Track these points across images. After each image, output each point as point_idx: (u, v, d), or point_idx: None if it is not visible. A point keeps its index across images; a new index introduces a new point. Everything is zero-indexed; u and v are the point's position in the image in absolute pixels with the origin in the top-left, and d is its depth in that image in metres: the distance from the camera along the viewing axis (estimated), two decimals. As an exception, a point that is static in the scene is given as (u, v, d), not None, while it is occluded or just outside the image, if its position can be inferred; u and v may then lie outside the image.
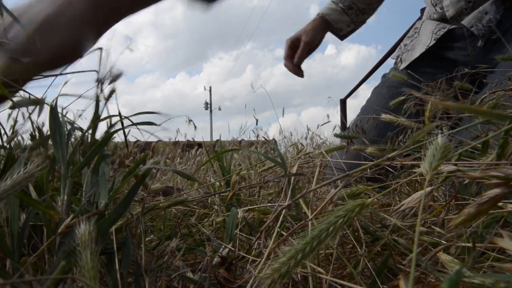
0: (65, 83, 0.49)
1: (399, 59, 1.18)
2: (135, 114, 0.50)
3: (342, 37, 1.27)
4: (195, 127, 2.14)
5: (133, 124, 0.49)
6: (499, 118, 0.23)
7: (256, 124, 2.26)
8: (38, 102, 0.45)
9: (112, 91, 0.49)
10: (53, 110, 0.42)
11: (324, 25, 1.22)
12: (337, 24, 1.21)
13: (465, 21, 1.02)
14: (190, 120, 2.08)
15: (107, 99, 0.48)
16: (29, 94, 0.45)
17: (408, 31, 1.72)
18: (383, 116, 0.67)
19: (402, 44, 1.19)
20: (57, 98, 0.43)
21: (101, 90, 0.47)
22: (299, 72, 1.24)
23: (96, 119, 0.47)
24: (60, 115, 0.42)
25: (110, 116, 0.49)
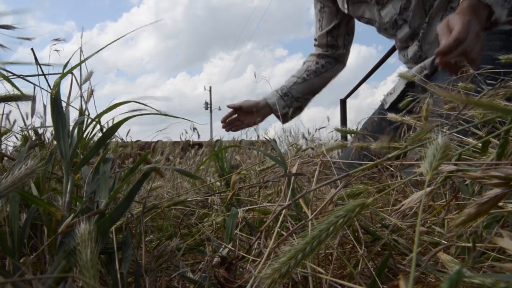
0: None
1: (385, 101, 1.44)
2: (132, 108, 0.49)
3: (282, 118, 1.57)
4: (198, 134, 2.17)
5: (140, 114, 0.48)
6: (504, 112, 0.23)
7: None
8: (29, 97, 0.45)
9: (91, 91, 0.51)
10: (56, 100, 0.41)
11: (266, 105, 1.55)
12: (275, 106, 1.54)
13: (412, 71, 1.27)
14: (194, 129, 2.12)
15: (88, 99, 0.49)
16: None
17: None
18: (389, 115, 0.69)
19: (388, 91, 1.46)
20: (58, 87, 0.41)
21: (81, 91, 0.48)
22: (224, 120, 1.52)
23: (100, 113, 0.47)
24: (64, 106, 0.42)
25: (122, 103, 0.49)
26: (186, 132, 2.42)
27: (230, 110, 1.51)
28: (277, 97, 1.55)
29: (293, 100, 1.56)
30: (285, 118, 1.58)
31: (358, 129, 1.47)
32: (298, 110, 1.60)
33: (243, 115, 1.52)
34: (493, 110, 0.22)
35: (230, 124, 1.53)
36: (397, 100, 1.36)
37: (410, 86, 1.30)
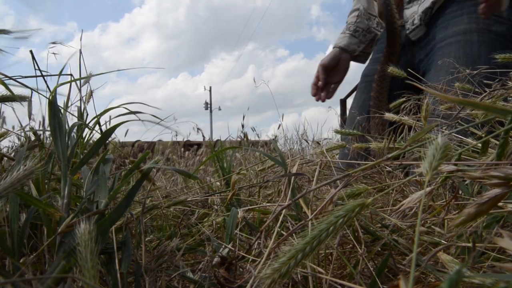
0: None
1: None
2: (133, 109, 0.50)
3: (359, 58, 1.44)
4: (203, 137, 2.16)
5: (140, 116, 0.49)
6: (502, 113, 0.23)
7: (242, 127, 2.29)
8: (25, 98, 0.45)
9: (91, 92, 0.52)
10: (53, 104, 0.41)
11: (339, 52, 1.40)
12: (349, 46, 1.40)
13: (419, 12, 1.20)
14: (198, 129, 2.11)
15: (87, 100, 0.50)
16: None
17: None
18: (386, 115, 0.68)
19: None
20: (55, 91, 0.42)
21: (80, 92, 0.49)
22: (316, 93, 1.42)
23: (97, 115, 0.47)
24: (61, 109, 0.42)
25: (111, 108, 0.49)
26: (176, 135, 2.43)
27: (316, 77, 1.40)
28: (347, 37, 1.42)
29: (365, 33, 1.43)
30: (363, 58, 1.46)
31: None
32: (373, 41, 1.46)
33: (329, 75, 1.40)
34: (490, 111, 0.22)
35: (321, 91, 1.42)
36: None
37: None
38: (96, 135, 0.53)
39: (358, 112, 1.27)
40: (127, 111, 0.49)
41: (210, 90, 24.21)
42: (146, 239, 0.58)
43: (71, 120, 0.49)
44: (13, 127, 0.70)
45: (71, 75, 0.47)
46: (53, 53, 0.54)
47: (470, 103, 0.23)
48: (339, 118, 2.78)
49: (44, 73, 0.46)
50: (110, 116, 0.55)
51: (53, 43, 0.55)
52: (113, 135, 0.48)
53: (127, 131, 1.86)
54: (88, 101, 0.55)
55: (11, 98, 0.42)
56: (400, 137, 0.72)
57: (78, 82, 0.53)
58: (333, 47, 1.43)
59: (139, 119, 0.49)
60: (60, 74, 0.44)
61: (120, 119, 0.50)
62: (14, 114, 0.67)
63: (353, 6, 1.46)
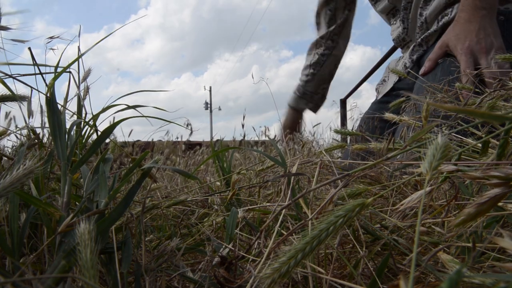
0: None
1: (377, 90, 1.47)
2: (135, 106, 0.50)
3: (312, 111, 1.75)
4: (191, 131, 2.19)
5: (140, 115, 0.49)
6: (497, 119, 0.23)
7: (242, 127, 2.32)
8: (24, 98, 0.45)
9: (87, 89, 0.52)
10: (52, 103, 0.41)
11: (294, 111, 1.76)
12: (298, 106, 1.73)
13: (404, 56, 1.31)
14: (188, 124, 2.13)
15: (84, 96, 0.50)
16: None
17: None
18: (386, 115, 0.68)
19: (381, 79, 1.49)
20: (53, 88, 0.42)
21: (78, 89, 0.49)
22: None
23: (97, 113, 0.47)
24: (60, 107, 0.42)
25: (112, 106, 0.49)
26: (177, 136, 2.45)
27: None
28: (297, 99, 1.71)
29: (312, 95, 1.69)
30: (314, 110, 1.74)
31: (355, 127, 1.49)
32: (322, 98, 1.73)
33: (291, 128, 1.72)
34: (483, 117, 0.22)
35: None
36: (390, 90, 1.39)
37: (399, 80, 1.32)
38: (95, 134, 0.53)
39: (365, 120, 1.40)
40: (129, 106, 0.49)
41: (210, 90, 24.21)
42: (146, 239, 0.58)
43: (70, 119, 0.49)
44: (16, 126, 0.70)
45: (69, 72, 0.47)
46: (51, 49, 0.54)
47: (465, 111, 0.22)
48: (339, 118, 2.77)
49: (41, 69, 0.45)
50: (114, 118, 0.55)
51: (51, 37, 0.54)
52: (113, 135, 0.48)
53: (130, 131, 1.88)
54: (85, 98, 0.55)
55: (11, 97, 0.42)
56: (399, 137, 0.72)
57: (77, 79, 0.53)
58: (288, 105, 1.75)
59: (142, 115, 0.49)
60: (56, 68, 0.44)
61: (120, 117, 0.50)
62: (14, 113, 0.67)
63: (304, 69, 1.69)
